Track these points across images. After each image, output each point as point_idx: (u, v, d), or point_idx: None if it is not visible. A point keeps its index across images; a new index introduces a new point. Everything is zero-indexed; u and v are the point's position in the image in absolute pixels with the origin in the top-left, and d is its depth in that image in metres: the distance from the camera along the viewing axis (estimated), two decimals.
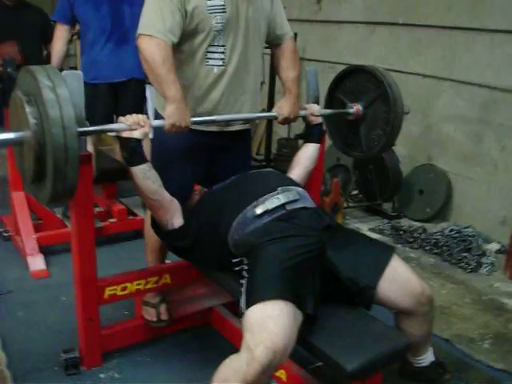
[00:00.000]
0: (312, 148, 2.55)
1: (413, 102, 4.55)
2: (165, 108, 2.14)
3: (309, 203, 2.18)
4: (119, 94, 3.46)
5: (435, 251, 3.82)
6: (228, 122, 2.40)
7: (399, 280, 2.01)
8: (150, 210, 2.24)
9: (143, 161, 2.08)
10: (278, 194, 2.10)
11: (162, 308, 2.54)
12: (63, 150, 1.68)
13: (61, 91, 1.69)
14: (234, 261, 2.00)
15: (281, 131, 5.87)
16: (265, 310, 1.72)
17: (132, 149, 2.04)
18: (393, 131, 2.58)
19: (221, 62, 2.30)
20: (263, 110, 5.21)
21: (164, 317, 2.53)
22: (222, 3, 2.23)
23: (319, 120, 2.56)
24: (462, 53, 4.18)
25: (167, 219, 2.19)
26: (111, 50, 3.38)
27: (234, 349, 2.40)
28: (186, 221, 2.22)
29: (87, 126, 1.99)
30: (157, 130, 2.31)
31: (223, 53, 2.29)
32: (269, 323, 1.67)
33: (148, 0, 2.22)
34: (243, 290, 1.86)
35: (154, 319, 2.52)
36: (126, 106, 3.37)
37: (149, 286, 2.46)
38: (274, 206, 2.05)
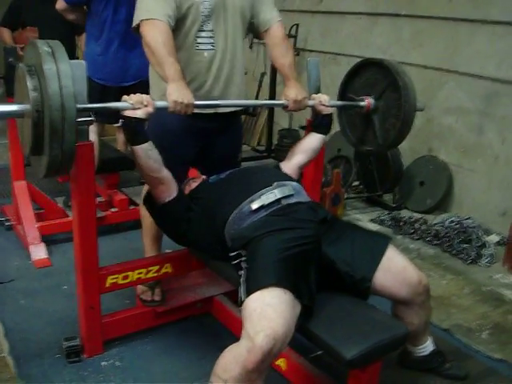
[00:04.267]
0: (318, 139, 2.53)
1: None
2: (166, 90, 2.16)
3: (304, 198, 2.19)
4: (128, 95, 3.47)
5: (435, 242, 3.83)
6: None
7: (395, 270, 2.02)
8: (149, 185, 2.24)
9: (146, 140, 2.08)
10: (274, 188, 2.11)
11: (157, 289, 2.62)
12: (60, 117, 1.74)
13: (62, 65, 1.75)
14: (231, 254, 2.00)
15: (282, 122, 5.88)
16: (264, 298, 1.73)
17: (135, 128, 2.05)
18: (406, 117, 2.54)
19: (210, 46, 2.39)
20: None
21: (157, 298, 2.61)
22: None
23: (329, 110, 2.52)
24: (464, 44, 4.17)
25: (164, 197, 2.20)
26: (123, 54, 3.38)
27: (234, 337, 2.43)
28: (181, 201, 2.25)
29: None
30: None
31: (212, 37, 2.38)
32: (268, 311, 1.68)
33: None
34: (242, 280, 1.87)
35: (149, 299, 2.60)
36: None
37: (150, 275, 2.48)
38: (269, 200, 2.07)
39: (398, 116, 2.55)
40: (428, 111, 4.50)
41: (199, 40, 2.37)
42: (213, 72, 2.42)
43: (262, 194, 2.08)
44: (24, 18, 4.40)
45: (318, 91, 2.65)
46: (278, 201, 2.07)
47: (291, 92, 2.44)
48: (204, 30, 2.37)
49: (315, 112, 2.54)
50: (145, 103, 2.04)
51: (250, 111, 4.92)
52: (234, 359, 1.67)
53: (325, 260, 2.00)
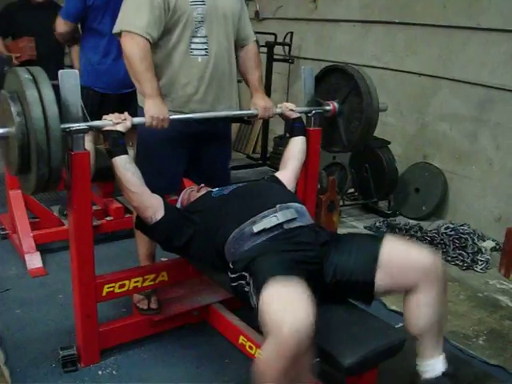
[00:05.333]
0: (299, 141, 2.64)
1: (409, 101, 4.62)
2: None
3: (306, 220, 2.16)
4: (126, 103, 3.48)
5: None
6: (213, 108, 2.52)
7: (398, 260, 1.93)
8: (132, 205, 2.28)
9: (124, 152, 2.18)
10: (276, 212, 2.09)
11: (153, 298, 2.64)
12: (45, 139, 1.83)
13: (44, 90, 1.84)
14: (232, 276, 1.98)
15: (277, 129, 5.89)
16: (278, 291, 1.68)
17: (114, 140, 2.16)
18: (368, 120, 2.68)
19: (204, 52, 2.45)
20: None
21: (154, 306, 2.63)
22: None
23: (297, 114, 2.66)
24: (458, 51, 4.20)
25: (150, 216, 2.21)
26: (121, 62, 3.37)
27: (231, 345, 2.44)
28: (175, 214, 2.28)
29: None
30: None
31: (206, 43, 2.44)
32: (286, 301, 1.64)
33: None
34: (251, 291, 1.85)
35: (145, 307, 2.62)
36: (132, 114, 3.37)
37: (146, 284, 2.48)
38: (271, 224, 2.05)
39: (361, 119, 2.70)
40: (422, 118, 4.54)
41: (193, 46, 2.43)
42: (206, 77, 2.47)
43: (265, 217, 2.07)
44: (15, 26, 4.36)
45: (312, 98, 2.70)
46: (280, 225, 2.06)
47: (260, 101, 2.60)
48: (197, 36, 2.42)
49: (285, 118, 2.68)
50: (123, 118, 2.21)
51: (245, 118, 4.92)
52: (267, 361, 1.62)
53: (327, 277, 1.98)
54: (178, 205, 2.50)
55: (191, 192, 2.46)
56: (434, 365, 1.96)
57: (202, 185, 2.50)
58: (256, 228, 2.04)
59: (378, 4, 4.83)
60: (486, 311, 3.10)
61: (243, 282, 1.93)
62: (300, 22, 5.64)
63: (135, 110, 3.45)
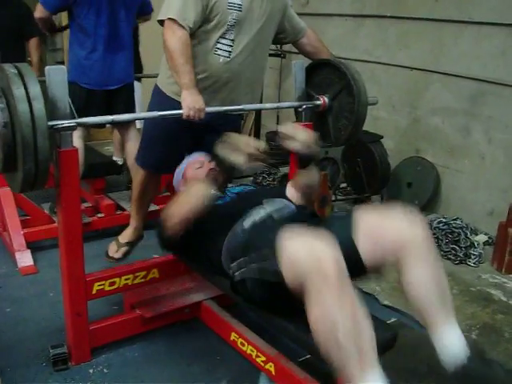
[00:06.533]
0: None
1: (401, 95, 4.61)
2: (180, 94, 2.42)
3: (296, 207, 2.18)
4: (113, 99, 3.46)
5: None
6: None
7: (370, 230, 1.83)
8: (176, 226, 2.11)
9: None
10: (264, 205, 2.11)
11: (122, 250, 2.95)
12: (31, 133, 1.79)
13: (31, 86, 1.81)
14: (232, 265, 1.95)
15: (269, 124, 5.87)
16: (295, 239, 1.65)
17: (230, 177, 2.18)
18: (357, 121, 2.67)
19: (227, 54, 2.55)
20: None
21: (116, 256, 3.05)
22: (240, 3, 2.47)
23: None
24: (450, 45, 4.19)
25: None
26: (107, 57, 3.36)
27: (223, 342, 2.43)
28: None
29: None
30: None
31: (231, 46, 2.55)
32: (309, 243, 1.61)
33: None
34: (259, 265, 1.81)
35: (109, 254, 3.07)
36: (119, 110, 3.36)
37: (137, 281, 2.47)
38: (260, 215, 2.06)
39: (350, 119, 2.68)
40: (415, 112, 4.53)
41: (219, 46, 2.54)
42: (225, 78, 2.59)
43: (253, 211, 2.08)
44: None
45: (303, 93, 2.70)
46: (269, 216, 2.06)
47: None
48: (226, 38, 2.53)
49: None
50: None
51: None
52: (323, 301, 1.54)
53: None
54: (179, 176, 2.51)
55: (198, 170, 2.43)
56: (450, 332, 1.73)
57: (211, 166, 2.31)
58: (246, 223, 2.04)
59: None
60: (479, 305, 3.09)
61: (243, 268, 1.89)
62: None
63: (123, 105, 3.47)
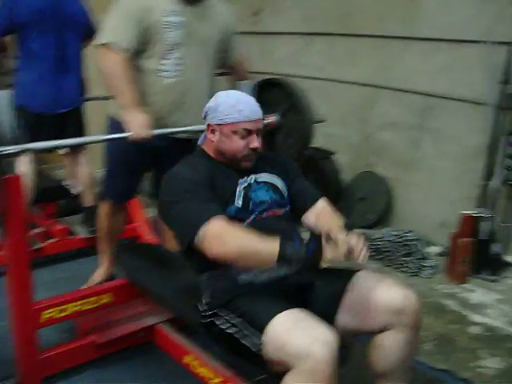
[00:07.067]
0: None
1: (352, 111, 4.67)
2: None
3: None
4: (62, 123, 3.41)
5: (377, 257, 3.88)
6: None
7: (362, 301, 1.80)
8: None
9: None
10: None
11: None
12: None
13: None
14: (207, 313, 1.88)
15: None
16: (290, 316, 1.62)
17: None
18: (304, 138, 2.69)
19: (171, 75, 2.51)
20: None
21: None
22: (178, 20, 2.44)
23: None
24: (397, 61, 4.27)
25: None
26: (56, 80, 3.32)
27: (178, 365, 2.40)
28: None
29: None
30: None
31: (175, 66, 2.51)
32: (304, 326, 1.58)
33: (112, 11, 2.43)
34: (242, 332, 1.74)
35: None
36: (69, 134, 3.31)
37: (88, 307, 2.42)
38: (260, 278, 1.82)
39: (298, 136, 2.70)
40: (366, 127, 4.59)
41: (161, 67, 2.49)
42: (171, 100, 2.54)
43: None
44: None
45: None
46: (268, 280, 1.86)
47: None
48: (168, 59, 2.49)
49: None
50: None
51: None
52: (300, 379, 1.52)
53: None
54: None
55: None
56: None
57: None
58: (244, 277, 1.85)
59: (318, 16, 4.86)
60: (433, 316, 3.14)
61: (221, 320, 1.82)
62: (243, 35, 5.60)
63: (73, 129, 3.42)
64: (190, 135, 2.59)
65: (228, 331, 1.79)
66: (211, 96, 2.54)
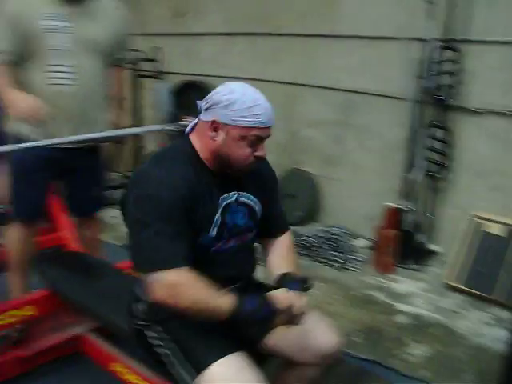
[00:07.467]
0: None
1: (276, 110, 4.56)
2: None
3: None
4: None
5: (305, 253, 3.92)
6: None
7: (295, 338, 1.80)
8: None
9: None
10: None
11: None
12: None
13: None
14: (139, 322, 1.82)
15: (150, 146, 5.81)
16: (227, 369, 1.57)
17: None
18: None
19: (64, 81, 2.37)
20: (131, 126, 5.13)
21: None
22: (59, 24, 2.31)
23: None
24: (319, 59, 4.35)
25: None
26: None
27: (107, 374, 2.36)
28: None
29: None
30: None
31: (70, 72, 2.36)
32: (240, 377, 1.55)
33: None
34: (175, 360, 1.69)
35: None
36: None
37: (10, 321, 2.35)
38: None
39: None
40: (291, 125, 4.64)
41: (52, 75, 2.35)
42: (67, 107, 2.39)
43: None
44: None
45: (169, 115, 2.70)
46: None
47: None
48: (57, 65, 2.34)
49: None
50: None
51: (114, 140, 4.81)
52: None
53: None
54: None
55: None
56: None
57: None
58: None
59: (241, 16, 4.89)
60: (361, 308, 3.21)
61: (153, 334, 1.77)
62: (167, 36, 5.58)
63: None
64: (92, 144, 2.52)
65: (156, 350, 1.74)
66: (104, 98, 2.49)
